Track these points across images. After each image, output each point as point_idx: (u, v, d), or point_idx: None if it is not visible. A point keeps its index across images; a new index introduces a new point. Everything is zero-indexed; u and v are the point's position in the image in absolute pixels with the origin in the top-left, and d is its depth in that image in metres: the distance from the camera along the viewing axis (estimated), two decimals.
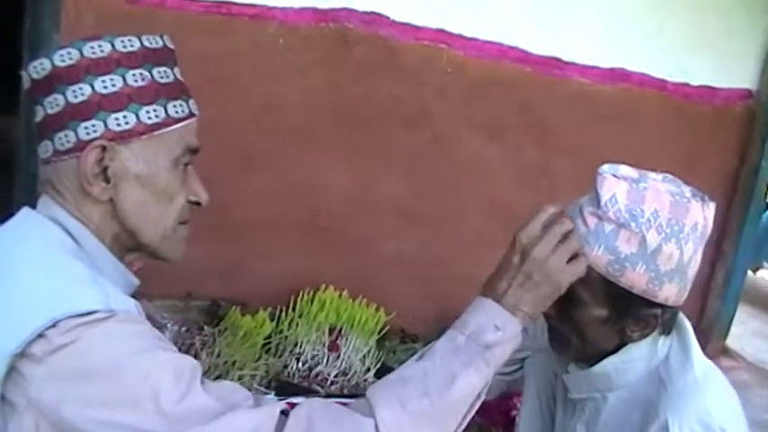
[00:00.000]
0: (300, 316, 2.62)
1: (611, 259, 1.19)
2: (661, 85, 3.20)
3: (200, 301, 2.73)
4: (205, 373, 2.30)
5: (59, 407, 0.98)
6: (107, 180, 1.14)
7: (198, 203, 1.25)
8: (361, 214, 3.03)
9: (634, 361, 1.31)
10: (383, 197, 3.04)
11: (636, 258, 1.19)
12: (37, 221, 1.15)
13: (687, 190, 1.27)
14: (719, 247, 3.52)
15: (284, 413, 1.06)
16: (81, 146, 1.11)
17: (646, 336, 1.28)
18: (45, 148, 1.14)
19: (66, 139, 1.12)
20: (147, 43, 1.16)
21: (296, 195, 2.90)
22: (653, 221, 1.19)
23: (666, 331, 1.31)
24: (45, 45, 2.28)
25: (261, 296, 2.77)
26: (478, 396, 1.13)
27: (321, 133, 2.86)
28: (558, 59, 3.06)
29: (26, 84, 1.15)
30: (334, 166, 2.93)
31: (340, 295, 2.74)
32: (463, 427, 1.13)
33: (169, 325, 2.49)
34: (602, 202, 1.20)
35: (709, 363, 1.33)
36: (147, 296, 2.58)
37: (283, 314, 2.62)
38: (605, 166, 1.27)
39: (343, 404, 2.14)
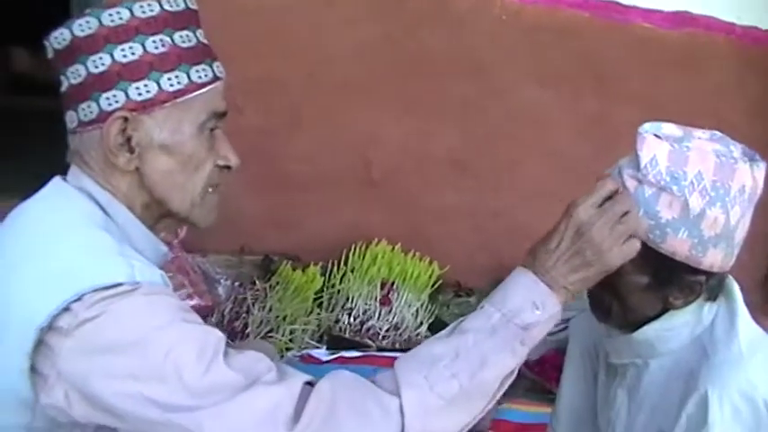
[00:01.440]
0: (353, 270, 2.63)
1: (652, 225, 1.14)
2: (729, 28, 3.02)
3: (253, 256, 2.76)
4: (257, 328, 2.37)
5: (87, 379, 1.00)
6: (131, 150, 1.13)
7: (228, 167, 1.23)
8: (414, 167, 3.01)
9: (677, 328, 1.26)
10: (437, 149, 3.00)
11: (678, 224, 1.13)
12: (65, 192, 1.16)
13: (736, 149, 1.20)
14: None
15: (310, 383, 1.06)
16: (104, 117, 1.11)
17: (689, 303, 1.23)
18: (71, 119, 1.15)
19: (89, 109, 1.12)
20: (167, 6, 1.14)
21: (349, 149, 2.90)
22: (696, 184, 1.13)
23: (713, 297, 1.25)
24: (94, 5, 2.28)
25: (314, 250, 2.79)
26: (511, 373, 1.10)
27: (374, 86, 2.83)
28: (618, 3, 2.92)
29: (49, 54, 1.15)
30: (388, 118, 2.90)
31: (393, 249, 2.74)
32: (492, 404, 1.10)
33: (222, 280, 2.54)
34: (642, 165, 1.14)
35: (759, 331, 1.26)
36: (201, 251, 2.65)
37: (335, 268, 2.64)
38: (647, 125, 1.21)
39: (389, 359, 2.11)
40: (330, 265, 2.67)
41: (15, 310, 1.03)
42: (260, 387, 1.01)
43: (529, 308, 1.08)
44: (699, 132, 1.22)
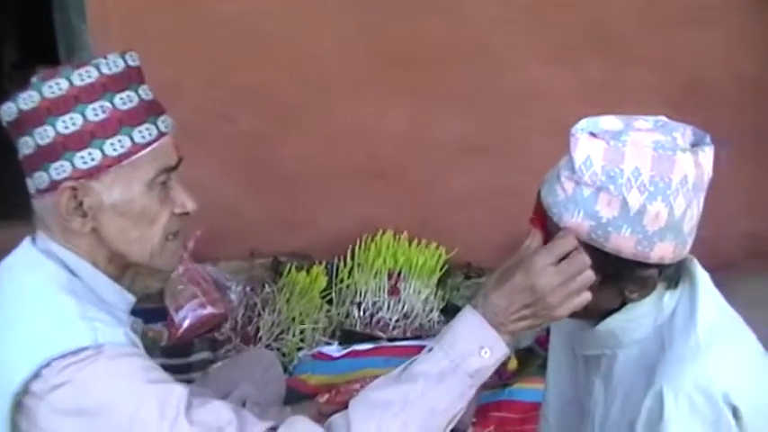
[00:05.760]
0: (359, 264, 2.66)
1: (593, 225, 1.13)
2: None
3: (263, 259, 2.81)
4: (269, 330, 2.42)
5: None
6: (85, 214, 1.17)
7: (186, 213, 1.27)
8: (421, 155, 3.00)
9: (638, 318, 1.25)
10: (443, 135, 2.99)
11: (619, 222, 1.12)
12: (31, 258, 1.21)
13: (681, 136, 1.18)
14: None
15: (273, 429, 1.12)
16: (54, 185, 1.15)
17: (647, 295, 1.22)
18: (29, 185, 1.20)
19: (41, 179, 1.16)
20: (105, 70, 1.17)
21: (351, 143, 2.90)
22: (633, 181, 1.11)
23: (672, 285, 1.24)
24: (76, 37, 2.35)
25: (325, 246, 2.83)
26: (462, 409, 1.14)
27: (366, 78, 2.82)
28: None
29: (3, 124, 1.19)
30: (387, 109, 2.90)
31: (396, 238, 2.76)
32: None
33: (233, 286, 2.60)
34: (577, 166, 1.14)
35: (724, 317, 1.24)
36: (212, 259, 2.70)
37: (342, 264, 2.67)
38: (583, 122, 1.20)
39: (400, 349, 2.15)
40: (337, 261, 2.69)
41: None
42: None
43: (476, 352, 1.11)
44: (640, 122, 1.20)
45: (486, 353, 1.11)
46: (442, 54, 2.86)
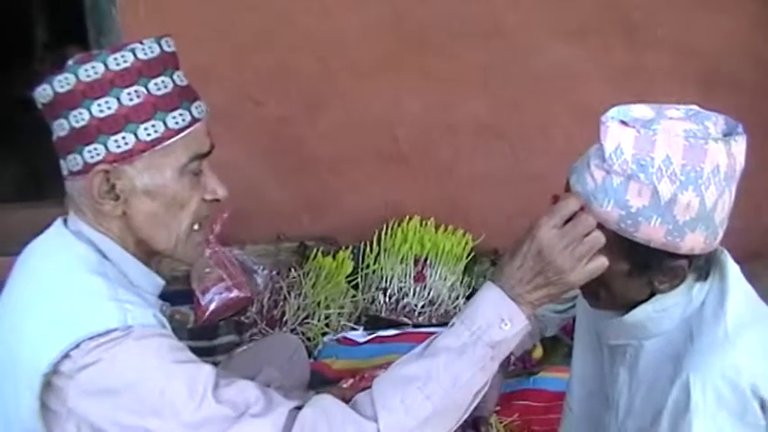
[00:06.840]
0: (385, 250, 2.65)
1: (623, 214, 1.12)
2: None
3: (289, 243, 2.82)
4: (294, 315, 2.43)
5: (94, 415, 1.09)
6: (117, 197, 1.18)
7: (217, 200, 1.28)
8: (443, 138, 2.99)
9: (668, 309, 1.23)
10: (464, 118, 2.98)
11: (649, 211, 1.10)
12: (62, 239, 1.23)
13: (713, 125, 1.16)
14: None
15: (299, 407, 1.13)
16: (88, 168, 1.17)
17: (676, 286, 1.20)
18: (63, 167, 1.21)
19: (74, 161, 1.18)
20: (141, 55, 1.17)
21: (373, 127, 2.90)
22: (665, 170, 1.09)
23: (702, 277, 1.22)
24: (106, 20, 2.36)
25: (352, 231, 2.83)
26: (485, 385, 1.14)
27: (388, 62, 2.81)
28: None
29: (38, 105, 1.20)
30: (409, 92, 2.89)
31: (422, 224, 2.75)
32: (468, 414, 1.15)
33: (260, 270, 2.61)
34: (607, 155, 1.12)
35: (754, 309, 1.22)
36: (238, 243, 2.72)
37: (368, 249, 2.67)
38: (614, 110, 1.18)
39: (426, 335, 2.18)
40: (363, 246, 2.69)
41: (24, 357, 1.12)
42: (248, 419, 1.09)
43: (497, 324, 1.12)
44: (672, 111, 1.18)
45: (506, 324, 1.11)
46: (460, 37, 2.84)
